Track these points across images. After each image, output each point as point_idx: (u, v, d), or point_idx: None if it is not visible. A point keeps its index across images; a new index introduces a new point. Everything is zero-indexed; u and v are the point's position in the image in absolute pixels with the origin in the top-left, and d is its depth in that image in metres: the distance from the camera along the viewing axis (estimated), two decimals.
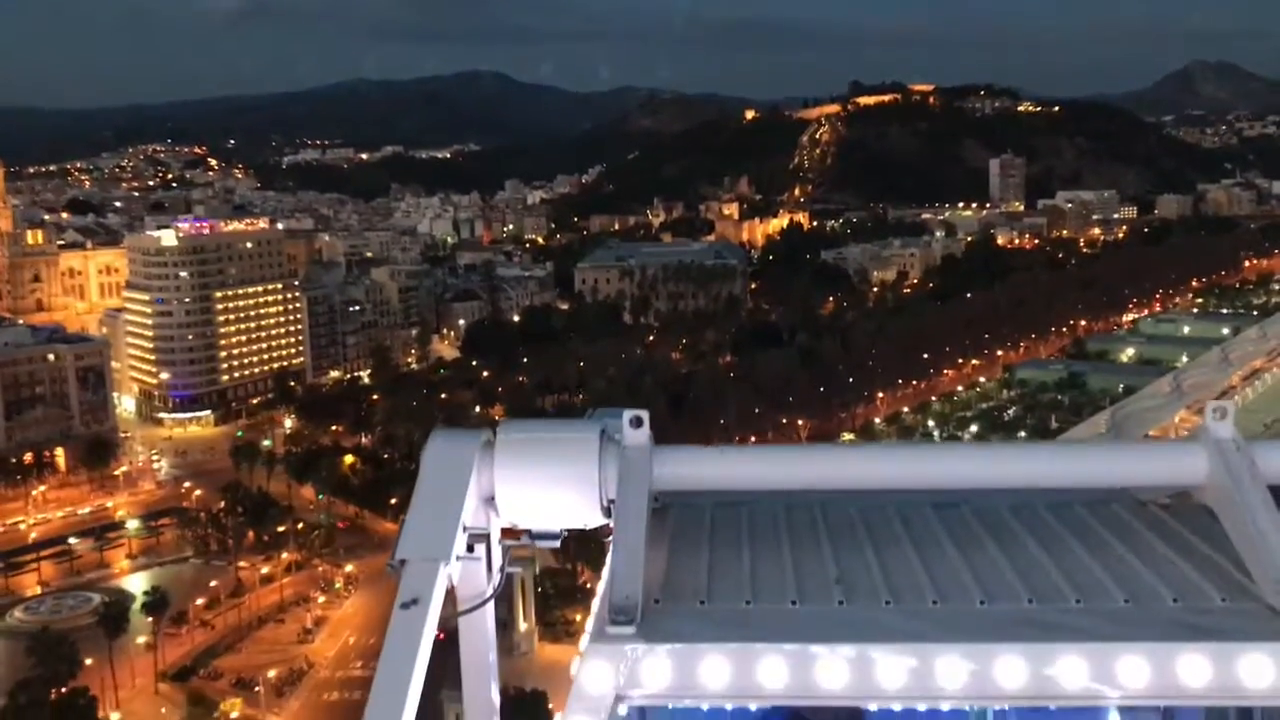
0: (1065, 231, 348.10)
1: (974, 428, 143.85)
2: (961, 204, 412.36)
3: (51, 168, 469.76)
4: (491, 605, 6.08)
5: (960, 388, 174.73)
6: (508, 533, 6.12)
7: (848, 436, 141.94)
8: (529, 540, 6.08)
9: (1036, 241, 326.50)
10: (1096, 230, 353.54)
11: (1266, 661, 4.76)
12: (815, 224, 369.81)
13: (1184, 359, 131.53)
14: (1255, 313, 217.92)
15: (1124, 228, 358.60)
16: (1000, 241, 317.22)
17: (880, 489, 6.27)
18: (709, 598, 5.53)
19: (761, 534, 6.32)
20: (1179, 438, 6.28)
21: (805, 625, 5.18)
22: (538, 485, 5.83)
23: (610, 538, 5.58)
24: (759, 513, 6.63)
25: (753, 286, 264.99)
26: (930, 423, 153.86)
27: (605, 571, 5.59)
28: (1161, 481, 6.18)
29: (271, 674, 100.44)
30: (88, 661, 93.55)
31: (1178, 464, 5.84)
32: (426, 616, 5.27)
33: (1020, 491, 6.54)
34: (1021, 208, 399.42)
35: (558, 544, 6.11)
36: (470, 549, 5.71)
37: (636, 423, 5.84)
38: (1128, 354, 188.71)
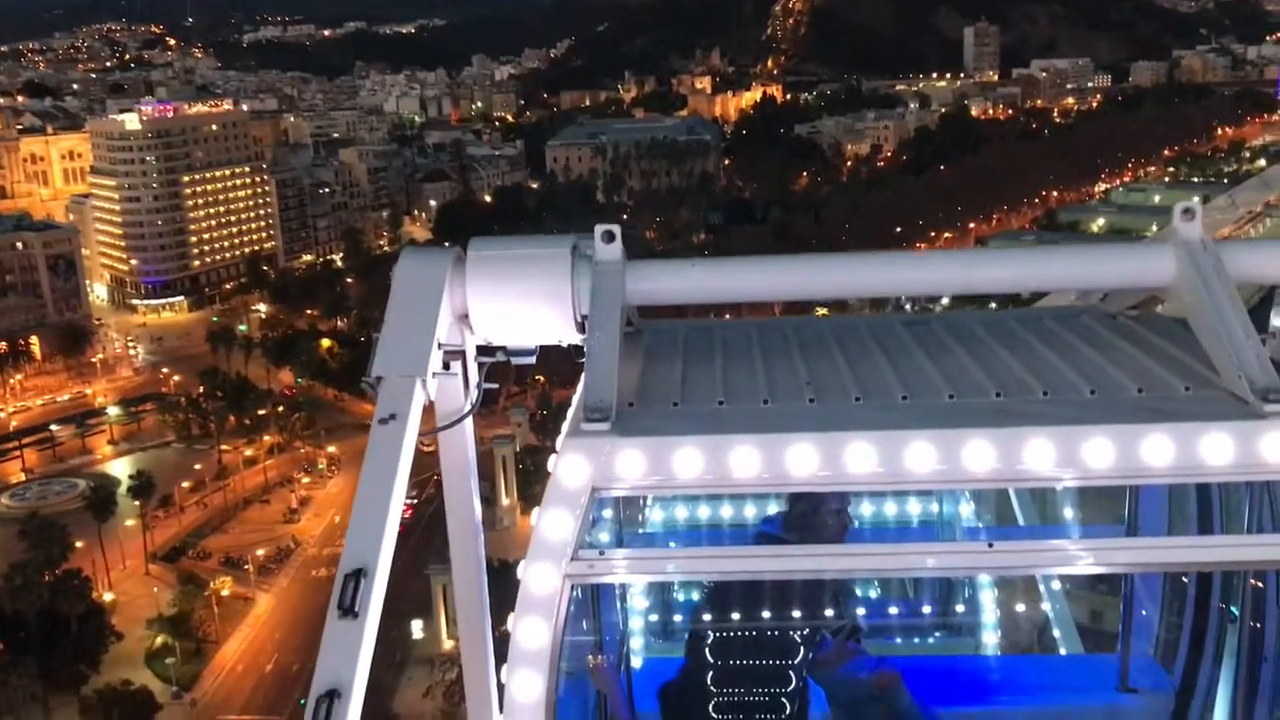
0: (1039, 101, 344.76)
1: (945, 300, 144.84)
2: (936, 75, 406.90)
3: (2, 49, 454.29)
4: (470, 422, 6.17)
5: None
6: (483, 350, 6.11)
7: (821, 312, 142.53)
8: (505, 357, 6.08)
9: (1010, 112, 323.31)
10: (1070, 100, 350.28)
11: (1226, 440, 4.85)
12: (788, 97, 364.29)
13: (1154, 229, 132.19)
14: (1226, 180, 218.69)
15: (1098, 96, 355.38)
16: (974, 113, 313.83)
17: (854, 295, 6.28)
18: (682, 400, 5.54)
19: (734, 349, 6.27)
20: (1147, 239, 6.29)
21: (777, 419, 5.18)
22: (510, 301, 5.78)
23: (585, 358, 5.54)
24: (732, 333, 6.60)
25: (726, 162, 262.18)
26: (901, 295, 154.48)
27: (580, 384, 5.56)
28: (1130, 282, 6.15)
29: (260, 553, 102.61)
30: (78, 545, 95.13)
31: (1146, 265, 5.81)
32: (405, 431, 5.30)
33: (991, 312, 6.56)
34: (996, 78, 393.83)
35: (533, 360, 6.11)
36: (446, 367, 5.74)
37: (608, 237, 5.74)
38: (1098, 224, 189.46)
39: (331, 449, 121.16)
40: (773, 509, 7.36)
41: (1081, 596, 9.87)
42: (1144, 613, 7.79)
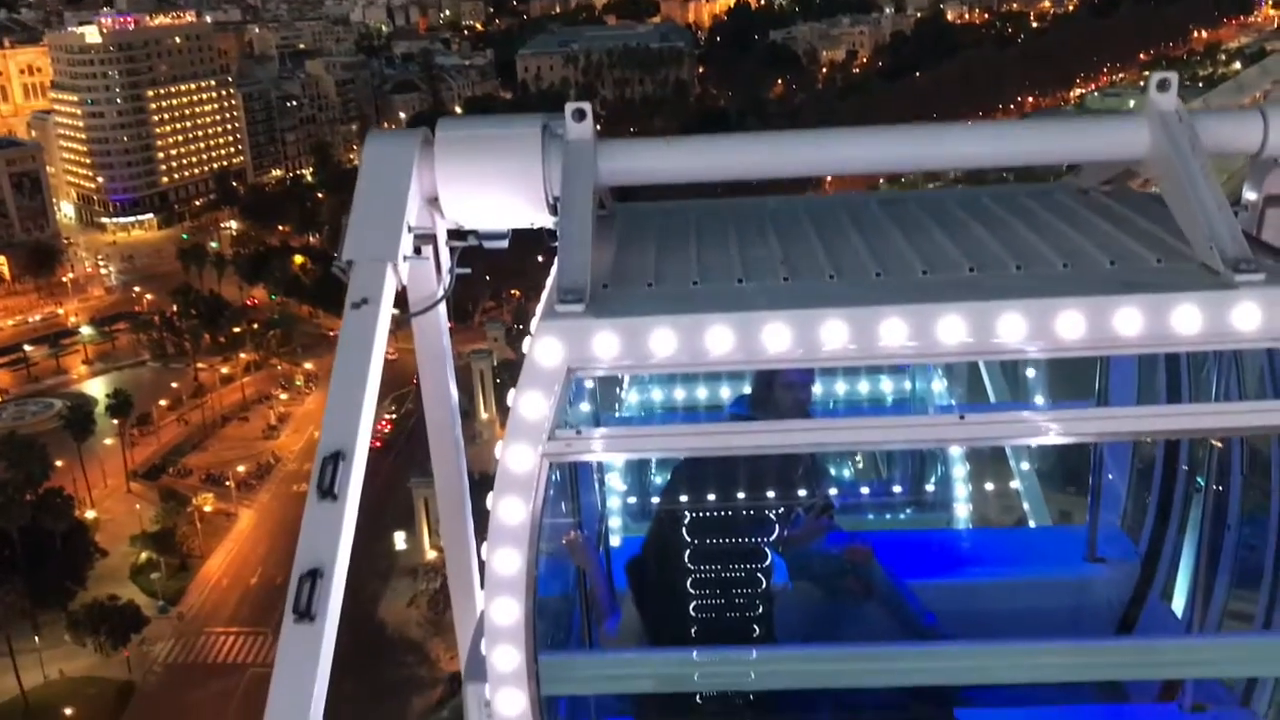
0: (1015, 4, 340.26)
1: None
2: None
3: None
4: (444, 308, 6.18)
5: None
6: (454, 234, 6.10)
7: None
8: (476, 241, 6.05)
9: (986, 16, 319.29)
10: (1047, 3, 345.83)
11: (1197, 310, 4.93)
12: (762, 1, 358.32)
13: None
14: (1201, 84, 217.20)
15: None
16: (950, 17, 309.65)
17: (826, 172, 6.26)
18: (657, 281, 5.55)
19: (708, 230, 6.26)
20: (1121, 112, 6.18)
21: (751, 298, 5.23)
22: (480, 183, 5.71)
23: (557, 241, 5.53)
24: (706, 214, 6.59)
25: (700, 70, 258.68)
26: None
27: (554, 268, 5.56)
28: (1104, 155, 6.16)
29: (240, 469, 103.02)
30: (58, 464, 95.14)
31: (1121, 136, 5.81)
32: (378, 315, 5.33)
33: (966, 190, 6.58)
34: None
35: (505, 244, 6.06)
36: (418, 251, 5.72)
37: (579, 116, 5.65)
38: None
39: (308, 365, 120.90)
40: (746, 388, 7.48)
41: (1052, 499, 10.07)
42: (1112, 486, 8.01)
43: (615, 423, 8.22)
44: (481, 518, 5.78)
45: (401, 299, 6.05)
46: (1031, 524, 9.41)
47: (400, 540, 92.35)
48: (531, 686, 5.59)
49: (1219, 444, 6.75)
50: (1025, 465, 9.43)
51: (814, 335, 5.04)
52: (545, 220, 5.84)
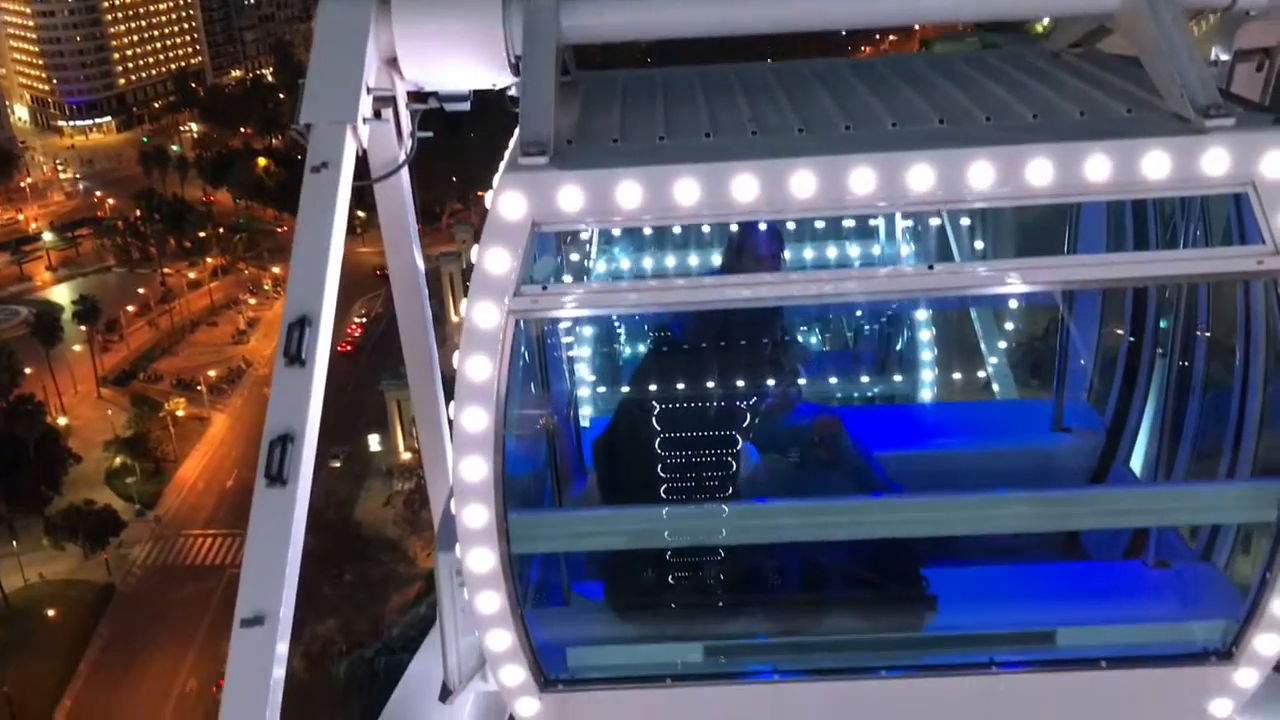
0: None
1: None
2: None
3: None
4: (406, 175, 6.10)
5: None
6: (415, 96, 6.01)
7: None
8: (437, 103, 5.94)
9: None
10: None
11: (1165, 156, 4.97)
12: None
13: None
14: None
15: None
16: None
17: (796, 28, 6.11)
18: (622, 137, 5.50)
19: (675, 92, 6.19)
20: None
21: (719, 151, 5.16)
22: (439, 41, 5.62)
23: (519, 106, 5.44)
24: (673, 79, 6.52)
25: None
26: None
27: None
28: (1078, 8, 6.13)
29: (211, 373, 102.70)
30: (27, 371, 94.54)
31: None
32: (339, 179, 5.27)
33: (935, 54, 6.61)
34: None
35: (467, 106, 5.98)
36: (378, 115, 5.64)
37: None
38: (1043, 24, 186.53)
39: (276, 269, 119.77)
40: (715, 258, 7.44)
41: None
42: (1077, 359, 8.08)
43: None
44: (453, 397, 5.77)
45: (363, 167, 5.97)
46: (998, 397, 9.51)
47: (375, 442, 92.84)
48: (501, 545, 5.65)
49: (1184, 309, 6.81)
50: (993, 339, 9.51)
51: (783, 186, 4.98)
52: (507, 80, 5.73)
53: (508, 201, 5.06)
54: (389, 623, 65.84)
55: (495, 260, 5.18)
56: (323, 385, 5.76)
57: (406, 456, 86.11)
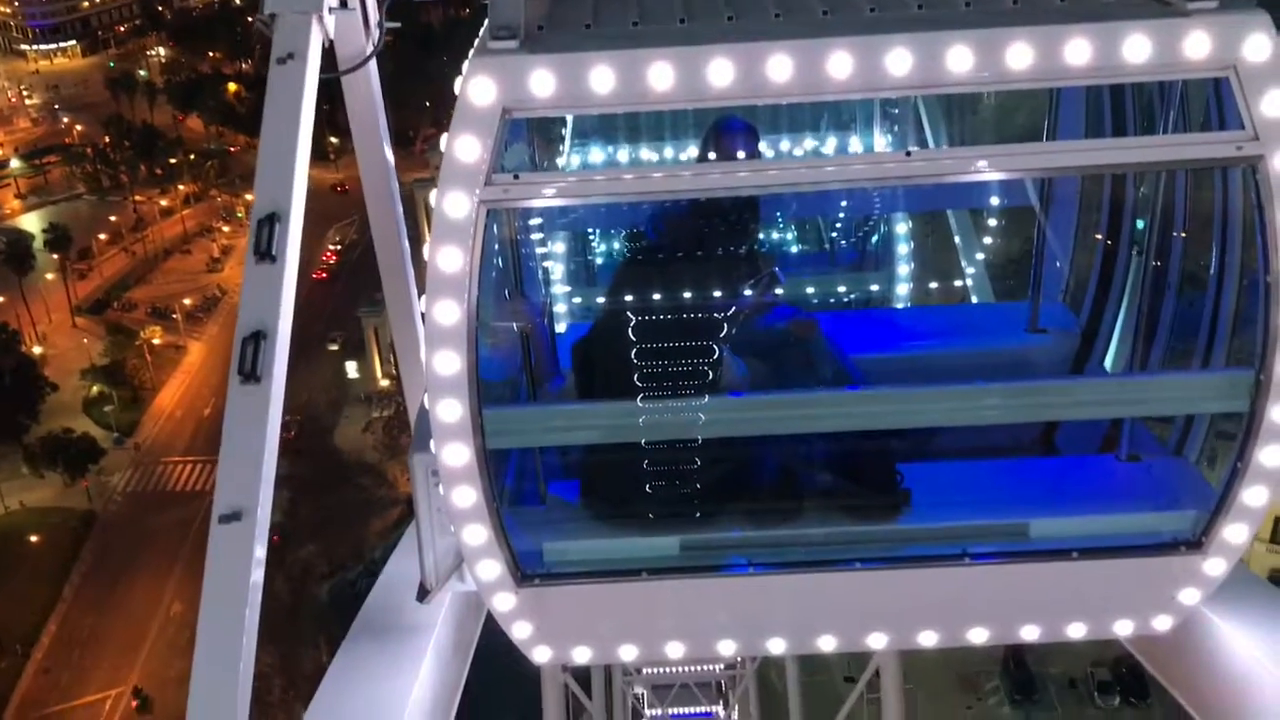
0: None
1: None
2: None
3: None
4: (374, 67, 6.04)
5: None
6: None
7: None
8: None
9: None
10: None
11: (1146, 39, 4.95)
12: None
13: None
14: None
15: None
16: None
17: None
18: (595, 22, 5.45)
19: None
20: None
21: (694, 35, 5.10)
22: None
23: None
24: None
25: None
26: None
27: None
28: None
29: (186, 302, 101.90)
30: (0, 299, 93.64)
31: None
32: (305, 71, 5.22)
33: None
34: None
35: None
36: (344, 3, 5.57)
37: None
38: None
39: (249, 196, 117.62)
40: (692, 151, 7.33)
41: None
42: (1054, 260, 8.08)
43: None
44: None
45: (330, 59, 5.85)
46: (974, 300, 9.50)
47: (352, 369, 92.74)
48: (476, 440, 5.64)
49: (1160, 208, 6.78)
50: (970, 242, 9.48)
51: (759, 71, 4.90)
52: None
53: (477, 87, 4.95)
54: (370, 546, 66.45)
55: (465, 148, 5.09)
56: (294, 281, 5.70)
57: (385, 384, 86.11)
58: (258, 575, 5.32)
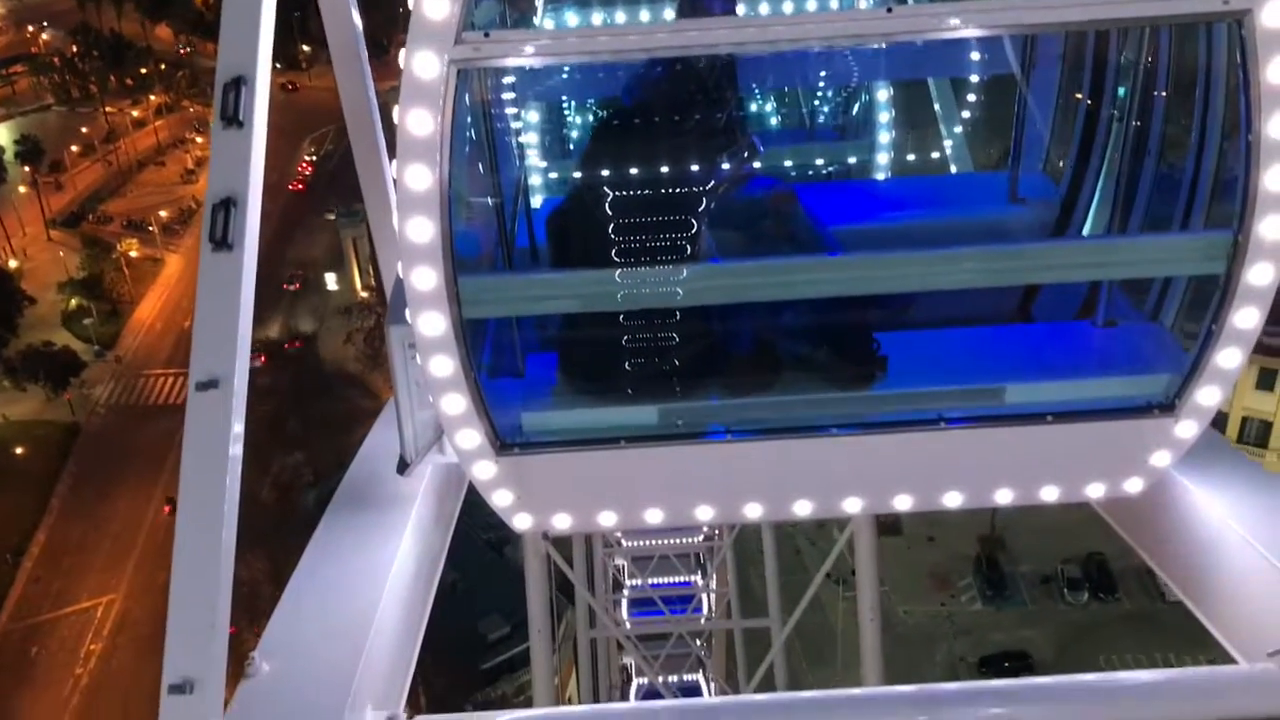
0: None
1: None
2: None
3: None
4: None
5: None
6: None
7: None
8: None
9: None
10: None
11: None
12: None
13: None
14: None
15: None
16: None
17: None
18: None
19: None
20: None
21: None
22: None
23: None
24: None
25: None
26: None
27: None
28: None
29: (162, 214, 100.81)
30: None
31: None
32: None
33: None
34: None
35: None
36: None
37: None
38: None
39: None
40: (669, 13, 7.18)
41: None
42: (1034, 128, 8.00)
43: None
44: None
45: None
46: (954, 170, 9.44)
47: (332, 281, 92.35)
48: (452, 309, 5.60)
49: (1142, 73, 6.70)
50: (950, 112, 9.39)
51: None
52: None
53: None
54: (354, 455, 66.75)
55: (433, 4, 4.98)
56: (264, 147, 5.63)
57: (364, 295, 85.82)
58: (237, 448, 5.33)
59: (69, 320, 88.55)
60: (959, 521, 64.05)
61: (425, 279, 5.52)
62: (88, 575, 66.46)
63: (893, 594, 55.72)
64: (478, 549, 56.17)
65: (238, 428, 5.32)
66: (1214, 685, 6.39)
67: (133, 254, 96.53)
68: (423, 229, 5.39)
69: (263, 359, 77.51)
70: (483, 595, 53.71)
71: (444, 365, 5.80)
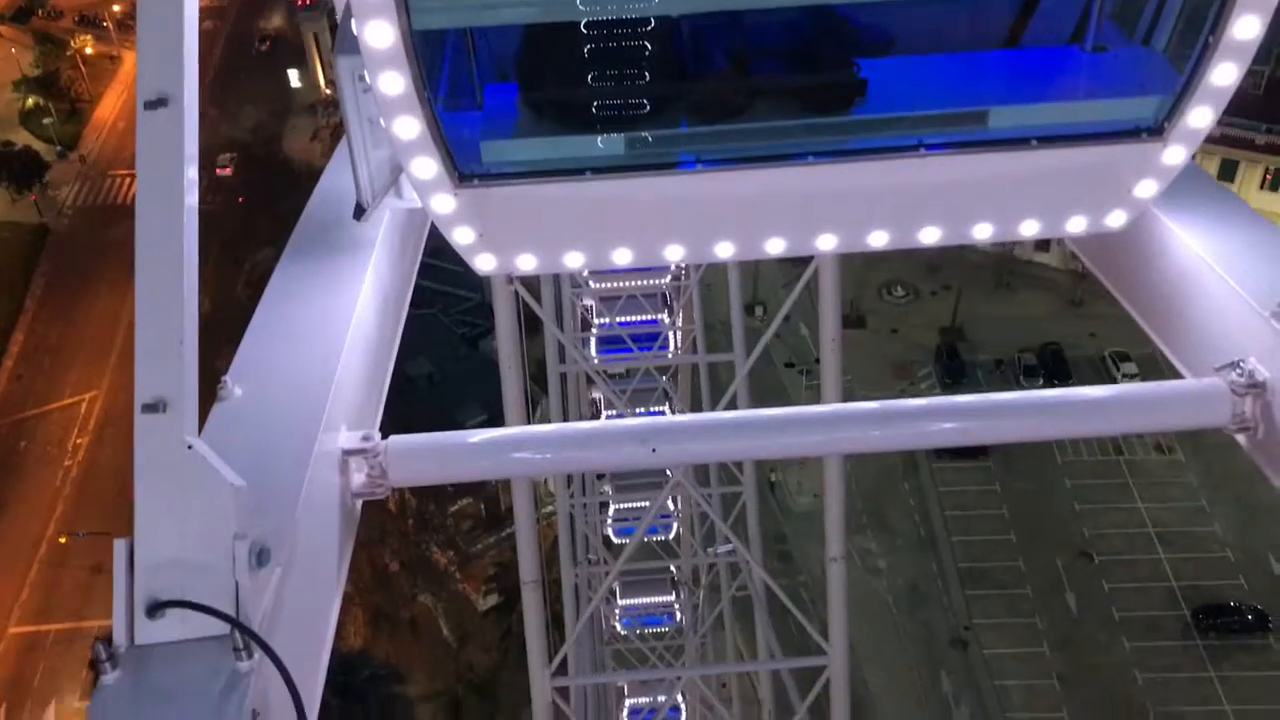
0: None
1: None
2: None
3: None
4: None
5: None
6: None
7: None
8: None
9: None
10: None
11: None
12: None
13: None
14: None
15: None
16: None
17: None
18: None
19: None
20: None
21: None
22: None
23: None
24: None
25: None
26: None
27: None
28: None
29: (116, 9, 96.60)
30: None
31: None
32: None
33: None
34: None
35: None
36: None
37: None
38: None
39: None
40: None
41: None
42: None
43: None
44: None
45: None
46: None
47: (295, 78, 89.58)
48: (401, 19, 5.21)
49: None
50: None
51: None
52: None
53: None
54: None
55: None
56: None
57: (328, 92, 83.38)
58: (192, 170, 5.09)
59: (27, 119, 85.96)
60: (923, 318, 64.89)
61: None
62: (69, 373, 66.85)
63: (855, 382, 56.71)
64: (453, 343, 56.43)
65: (191, 147, 5.05)
66: (1162, 399, 6.58)
67: (88, 51, 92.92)
68: None
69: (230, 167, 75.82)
70: (459, 386, 54.36)
71: (395, 82, 5.43)
